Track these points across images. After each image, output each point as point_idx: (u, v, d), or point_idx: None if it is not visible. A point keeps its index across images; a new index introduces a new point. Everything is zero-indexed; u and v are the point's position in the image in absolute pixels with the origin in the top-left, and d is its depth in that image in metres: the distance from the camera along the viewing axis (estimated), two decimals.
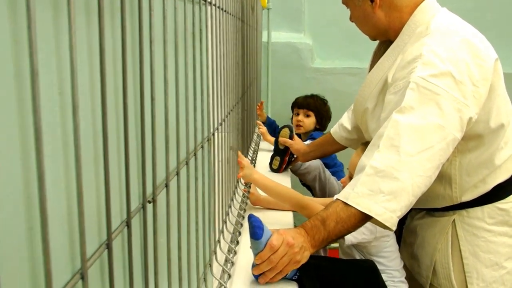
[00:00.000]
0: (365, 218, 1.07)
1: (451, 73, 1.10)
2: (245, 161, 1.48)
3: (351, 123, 1.73)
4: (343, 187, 1.22)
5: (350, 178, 1.15)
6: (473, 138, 1.22)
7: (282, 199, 1.41)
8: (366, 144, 1.21)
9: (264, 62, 3.06)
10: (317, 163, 2.10)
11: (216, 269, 1.06)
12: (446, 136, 1.09)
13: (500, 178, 1.29)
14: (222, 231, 1.12)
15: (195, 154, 0.79)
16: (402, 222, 1.53)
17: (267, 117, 2.63)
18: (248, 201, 1.57)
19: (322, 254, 2.20)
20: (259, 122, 2.48)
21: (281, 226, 1.11)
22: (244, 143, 1.91)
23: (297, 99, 2.61)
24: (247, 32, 1.91)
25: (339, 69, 3.18)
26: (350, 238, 1.31)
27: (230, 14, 1.36)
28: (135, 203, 0.54)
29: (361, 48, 2.71)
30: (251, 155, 2.07)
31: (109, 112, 0.45)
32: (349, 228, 1.09)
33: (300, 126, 2.47)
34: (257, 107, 2.57)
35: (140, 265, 0.57)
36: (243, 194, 1.56)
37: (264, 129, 2.38)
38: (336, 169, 2.27)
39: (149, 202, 0.56)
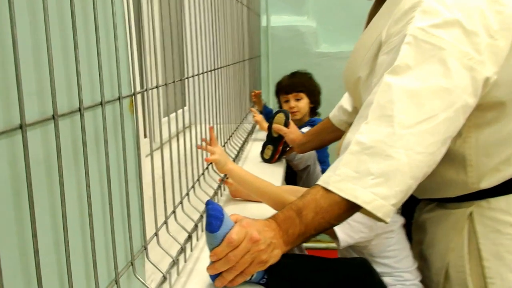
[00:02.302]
0: (351, 207, 0.87)
1: (460, 22, 0.89)
2: (218, 147, 1.26)
3: (351, 104, 1.51)
4: None
5: None
6: (492, 107, 0.99)
7: (261, 194, 1.20)
8: None
9: (264, 47, 2.85)
10: (313, 154, 1.91)
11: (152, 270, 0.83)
12: (454, 101, 0.87)
13: None
14: (166, 223, 0.90)
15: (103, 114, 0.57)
16: (410, 216, 1.32)
17: (264, 106, 2.40)
18: (224, 193, 1.35)
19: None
20: (254, 109, 2.25)
21: None
22: (230, 127, 1.69)
23: (279, 84, 2.31)
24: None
25: (346, 53, 2.95)
26: (345, 239, 1.12)
27: None
28: None
29: None
30: (239, 145, 1.85)
31: None
32: (331, 220, 0.88)
33: (295, 112, 2.20)
34: (253, 95, 2.34)
35: None
36: (218, 185, 1.33)
37: (259, 116, 2.16)
38: (325, 167, 2.06)
39: None
